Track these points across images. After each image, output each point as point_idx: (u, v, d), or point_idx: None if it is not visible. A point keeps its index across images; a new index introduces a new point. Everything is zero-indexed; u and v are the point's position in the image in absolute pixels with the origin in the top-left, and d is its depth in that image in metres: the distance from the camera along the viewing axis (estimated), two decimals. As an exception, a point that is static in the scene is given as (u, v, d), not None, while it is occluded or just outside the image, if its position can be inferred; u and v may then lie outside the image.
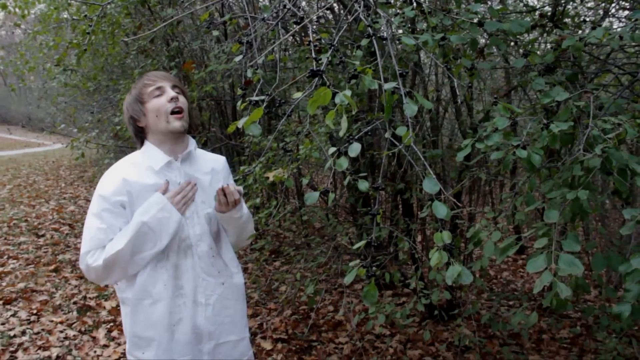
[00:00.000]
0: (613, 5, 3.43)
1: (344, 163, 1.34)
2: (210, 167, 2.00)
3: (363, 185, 1.45)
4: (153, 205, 1.78)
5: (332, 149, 1.38)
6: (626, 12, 3.76)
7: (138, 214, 1.77)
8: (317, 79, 1.38)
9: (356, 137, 1.40)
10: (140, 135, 1.92)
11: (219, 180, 1.99)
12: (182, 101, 1.88)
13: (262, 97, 1.46)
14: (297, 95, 1.43)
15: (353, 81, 1.63)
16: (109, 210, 1.78)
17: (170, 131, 1.84)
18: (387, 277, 3.28)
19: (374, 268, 1.43)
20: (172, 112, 1.84)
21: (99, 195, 1.81)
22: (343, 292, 4.78)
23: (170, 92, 1.85)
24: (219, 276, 1.93)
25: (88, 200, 9.75)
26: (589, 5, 4.18)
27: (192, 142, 1.97)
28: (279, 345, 3.86)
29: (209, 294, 1.89)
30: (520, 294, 4.60)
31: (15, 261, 5.78)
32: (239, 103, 1.81)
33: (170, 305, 1.82)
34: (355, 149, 1.33)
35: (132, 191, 1.81)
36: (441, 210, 1.30)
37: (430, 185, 1.29)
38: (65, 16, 6.11)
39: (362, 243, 1.38)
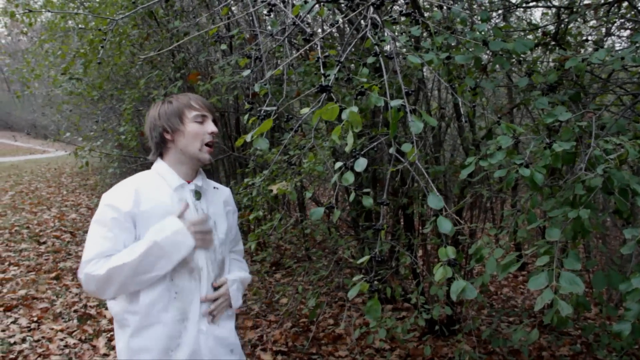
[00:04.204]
0: (615, 25, 3.47)
1: (350, 178, 1.36)
2: (221, 199, 2.02)
3: (367, 202, 1.47)
4: (168, 226, 1.75)
5: (338, 164, 1.40)
6: (627, 32, 3.81)
7: (152, 233, 1.73)
8: (324, 94, 1.41)
9: (362, 153, 1.42)
10: (161, 147, 1.91)
11: (230, 213, 2.04)
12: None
13: (273, 108, 1.48)
14: (305, 110, 1.45)
15: (359, 97, 1.67)
16: (118, 221, 1.73)
17: (199, 159, 1.87)
18: (389, 292, 3.29)
19: (376, 283, 1.45)
20: (207, 144, 1.87)
21: (107, 205, 1.76)
22: (344, 305, 4.78)
23: (212, 126, 1.89)
24: None
25: (90, 208, 9.77)
26: (591, 24, 4.23)
27: (202, 172, 1.99)
28: (279, 358, 3.86)
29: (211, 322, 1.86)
30: (520, 311, 4.60)
31: (16, 268, 5.79)
32: (246, 116, 1.84)
33: (171, 329, 1.76)
34: (361, 164, 1.35)
35: (144, 205, 1.78)
36: (445, 225, 1.31)
37: (435, 201, 1.31)
38: (71, 24, 6.16)
39: (366, 258, 1.40)
